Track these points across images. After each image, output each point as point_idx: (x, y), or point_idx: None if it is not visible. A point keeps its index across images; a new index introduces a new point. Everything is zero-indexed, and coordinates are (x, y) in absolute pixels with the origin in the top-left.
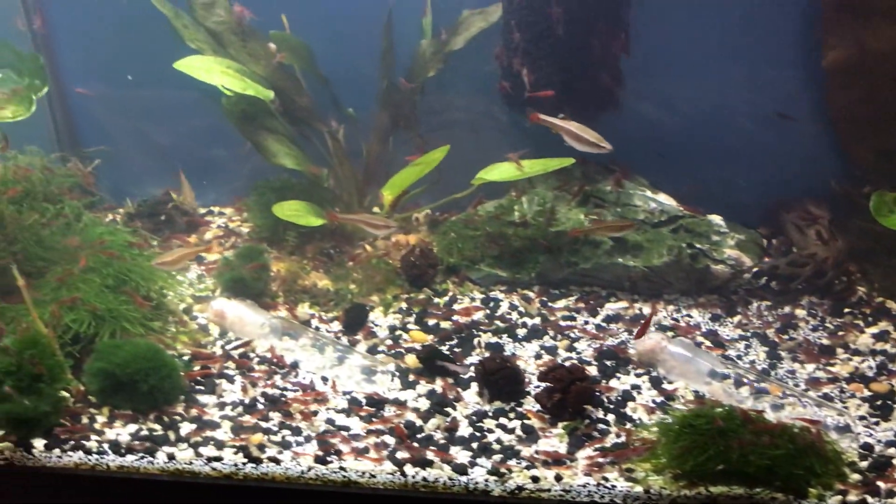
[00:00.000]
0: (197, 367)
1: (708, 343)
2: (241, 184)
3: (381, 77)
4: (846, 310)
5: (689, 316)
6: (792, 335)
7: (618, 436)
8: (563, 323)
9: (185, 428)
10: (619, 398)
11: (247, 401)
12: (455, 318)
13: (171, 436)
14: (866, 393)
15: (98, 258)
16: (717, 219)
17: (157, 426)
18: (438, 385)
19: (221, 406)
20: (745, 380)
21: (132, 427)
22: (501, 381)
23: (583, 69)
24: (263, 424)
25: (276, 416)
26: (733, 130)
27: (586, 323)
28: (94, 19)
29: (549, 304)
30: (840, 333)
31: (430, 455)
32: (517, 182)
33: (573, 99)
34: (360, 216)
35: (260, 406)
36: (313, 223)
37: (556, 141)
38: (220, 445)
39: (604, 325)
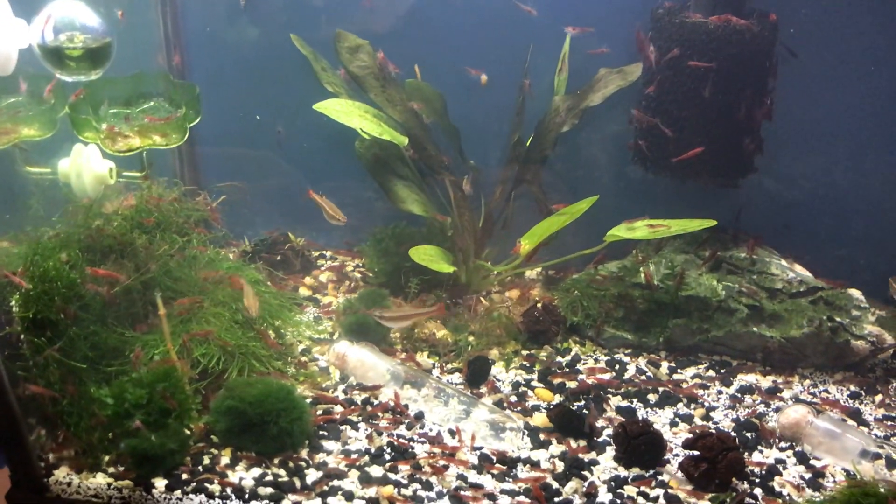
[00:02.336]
0: (320, 412)
1: (850, 421)
2: (350, 230)
3: (513, 132)
4: None
5: (826, 392)
6: None
7: None
8: (697, 391)
9: (312, 475)
10: (765, 472)
11: (373, 450)
12: (581, 378)
13: (297, 483)
14: None
15: (228, 292)
16: (856, 293)
17: (282, 472)
18: (572, 446)
19: (347, 454)
20: None
21: (256, 471)
22: (644, 446)
23: (727, 133)
24: (392, 476)
25: (404, 469)
26: (871, 206)
27: (720, 392)
28: (230, 59)
29: (678, 370)
30: None
31: None
32: (639, 243)
33: (715, 163)
34: (325, 201)
35: (387, 456)
36: (445, 269)
37: (687, 203)
38: (349, 496)
39: (738, 395)
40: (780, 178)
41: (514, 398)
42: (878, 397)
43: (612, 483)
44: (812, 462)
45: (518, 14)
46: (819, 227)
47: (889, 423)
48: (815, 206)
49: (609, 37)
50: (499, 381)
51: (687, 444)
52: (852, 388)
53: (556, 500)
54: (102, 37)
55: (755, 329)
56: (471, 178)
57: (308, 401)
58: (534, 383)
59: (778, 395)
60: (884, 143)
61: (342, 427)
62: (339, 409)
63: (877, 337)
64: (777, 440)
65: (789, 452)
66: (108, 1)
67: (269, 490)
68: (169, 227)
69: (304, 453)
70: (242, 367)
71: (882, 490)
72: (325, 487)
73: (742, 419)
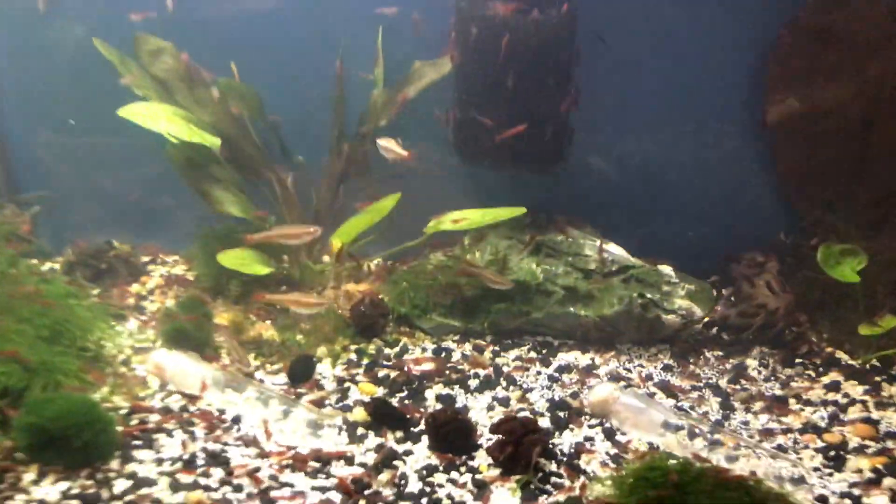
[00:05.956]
0: (135, 422)
1: (661, 394)
2: (187, 232)
3: (333, 125)
4: (797, 360)
5: (640, 366)
6: (744, 386)
7: (572, 489)
8: (515, 374)
9: (120, 485)
10: (573, 451)
11: (186, 456)
12: (406, 368)
13: (105, 494)
14: (819, 444)
15: (33, 308)
16: (667, 269)
17: (89, 483)
18: (389, 438)
19: (159, 462)
20: (699, 431)
21: (63, 485)
22: (452, 433)
23: (533, 123)
24: (203, 481)
25: (217, 473)
26: (682, 184)
27: (539, 373)
28: (37, 67)
29: (502, 353)
30: (792, 384)
31: None
32: (469, 231)
33: (523, 153)
34: (289, 296)
35: (200, 462)
36: (259, 272)
37: (507, 191)
38: None
39: (556, 374)
40: (600, 161)
41: (337, 395)
42: (690, 368)
43: (424, 472)
44: (618, 438)
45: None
46: (636, 204)
47: (697, 393)
48: (634, 186)
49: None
50: (324, 378)
51: (492, 429)
52: (666, 360)
53: (366, 492)
54: None
55: (571, 309)
56: (297, 174)
57: (123, 412)
58: (359, 378)
59: (594, 372)
60: (695, 123)
61: (156, 436)
62: (154, 417)
63: (687, 310)
64: (587, 417)
65: (598, 429)
66: None
67: (75, 502)
68: None
69: (113, 464)
70: (47, 383)
71: (669, 463)
72: (133, 496)
73: (557, 399)
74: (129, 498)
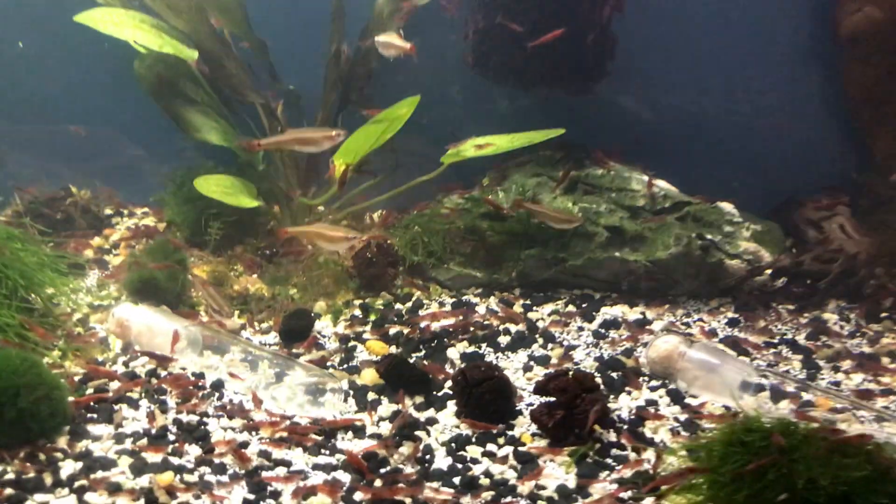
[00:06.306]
0: (90, 390)
1: (730, 351)
2: (157, 181)
3: (331, 41)
4: (883, 314)
5: (701, 320)
6: (826, 342)
7: (638, 463)
8: (553, 329)
9: (68, 467)
10: (634, 416)
11: (154, 431)
12: (425, 326)
13: (48, 479)
14: None
15: None
16: (728, 206)
17: (28, 465)
18: (407, 404)
19: (120, 438)
20: (785, 391)
21: None
22: (487, 395)
23: (570, 29)
24: (175, 461)
25: (192, 450)
26: (733, 121)
27: (581, 329)
28: None
29: (534, 307)
30: (882, 340)
31: (399, 496)
32: (488, 172)
33: (559, 66)
34: (312, 227)
35: (171, 437)
36: (246, 204)
37: (530, 117)
38: (114, 489)
39: (602, 331)
40: (643, 92)
41: (340, 355)
42: (760, 322)
43: (453, 444)
44: (688, 401)
45: None
46: (682, 139)
47: (772, 350)
48: (679, 123)
49: None
50: (323, 336)
51: (538, 389)
52: (730, 314)
53: (382, 471)
54: None
55: (617, 254)
56: (289, 105)
57: (77, 378)
58: (365, 336)
59: (647, 328)
60: (748, 42)
61: (117, 406)
62: (115, 385)
63: (753, 254)
64: (647, 378)
65: (661, 391)
66: None
67: (8, 491)
68: None
69: (61, 441)
70: None
71: (767, 424)
72: (84, 481)
73: (607, 358)
74: (79, 483)
